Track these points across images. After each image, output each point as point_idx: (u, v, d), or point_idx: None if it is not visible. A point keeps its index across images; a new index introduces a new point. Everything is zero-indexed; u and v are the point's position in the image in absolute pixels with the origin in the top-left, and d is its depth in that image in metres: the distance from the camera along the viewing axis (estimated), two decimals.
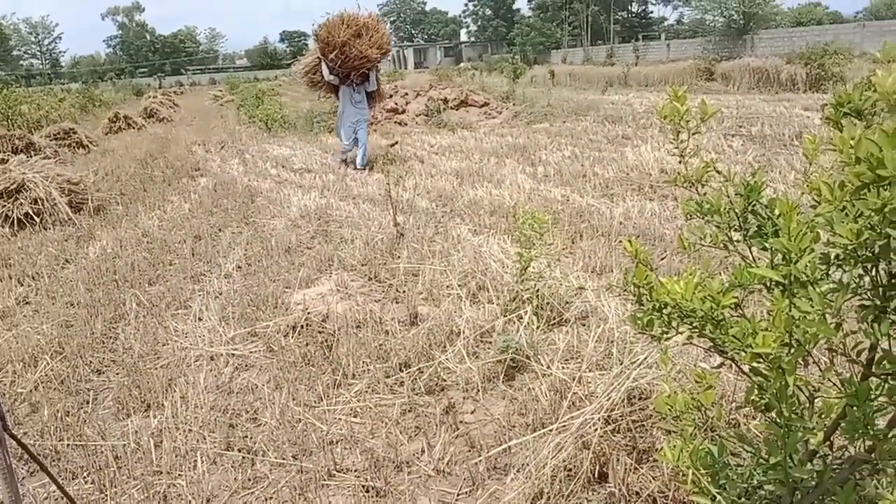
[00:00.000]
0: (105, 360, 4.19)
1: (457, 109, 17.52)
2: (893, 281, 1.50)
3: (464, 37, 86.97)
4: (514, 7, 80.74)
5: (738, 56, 28.48)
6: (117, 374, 3.99)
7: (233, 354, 4.12)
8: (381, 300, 4.76)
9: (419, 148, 12.43)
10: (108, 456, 3.08)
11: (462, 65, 54.25)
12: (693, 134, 1.96)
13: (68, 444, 3.23)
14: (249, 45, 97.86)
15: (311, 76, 11.06)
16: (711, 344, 1.67)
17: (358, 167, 10.57)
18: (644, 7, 74.76)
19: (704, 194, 1.89)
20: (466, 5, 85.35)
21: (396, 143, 12.90)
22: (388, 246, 5.74)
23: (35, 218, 7.63)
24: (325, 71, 10.36)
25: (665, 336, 1.73)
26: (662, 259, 5.16)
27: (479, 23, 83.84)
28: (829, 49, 20.51)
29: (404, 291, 4.79)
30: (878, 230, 1.32)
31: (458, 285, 4.64)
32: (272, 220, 7.37)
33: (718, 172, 1.90)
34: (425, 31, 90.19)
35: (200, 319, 4.68)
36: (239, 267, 5.80)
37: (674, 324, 1.70)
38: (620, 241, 5.51)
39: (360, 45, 10.08)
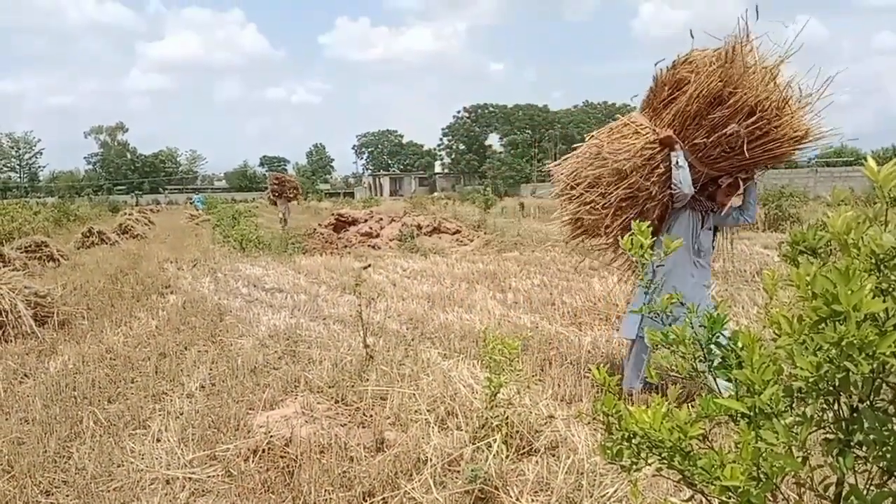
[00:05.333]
0: (56, 480, 3.97)
1: (430, 235, 17.88)
2: (855, 415, 1.54)
3: (438, 168, 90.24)
4: (487, 143, 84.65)
5: None
6: (67, 496, 3.78)
7: (189, 478, 3.95)
8: (347, 424, 4.65)
9: (392, 271, 12.54)
10: None
11: (436, 194, 56.04)
12: (657, 266, 2.04)
13: None
14: (229, 167, 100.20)
15: (612, 189, 4.89)
16: (681, 476, 1.67)
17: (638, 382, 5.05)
18: None
19: (670, 325, 1.94)
20: (441, 139, 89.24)
21: (369, 265, 13.03)
22: (357, 368, 5.67)
23: None
24: (682, 172, 4.66)
25: (634, 467, 1.73)
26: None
27: (452, 156, 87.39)
28: (786, 192, 21.75)
29: (371, 415, 4.70)
30: (837, 363, 1.37)
31: (427, 410, 4.57)
32: (240, 338, 7.28)
33: (682, 304, 1.96)
34: (401, 162, 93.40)
35: (159, 440, 4.51)
36: (202, 386, 5.66)
37: (643, 454, 1.70)
38: (589, 370, 5.53)
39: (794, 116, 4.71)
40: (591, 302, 8.72)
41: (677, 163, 4.66)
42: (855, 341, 1.31)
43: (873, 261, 1.46)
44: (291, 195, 27.35)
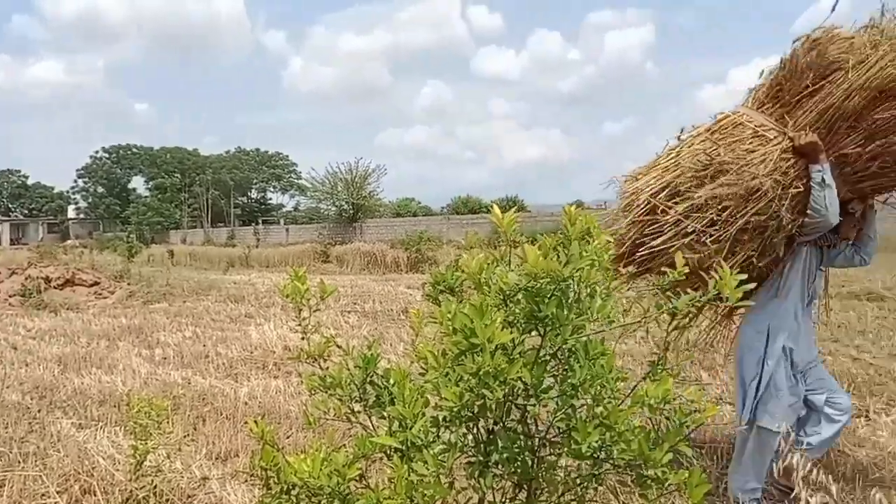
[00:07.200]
0: None
1: (61, 289, 15.81)
2: (491, 436, 1.69)
3: (72, 213, 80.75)
4: (130, 186, 78.39)
5: (350, 241, 31.43)
6: None
7: None
8: None
9: (12, 333, 10.77)
10: None
11: (69, 242, 50.15)
12: (314, 311, 2.05)
13: None
14: None
15: (734, 216, 3.27)
16: None
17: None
18: (263, 194, 79.16)
19: (327, 368, 1.95)
20: (76, 182, 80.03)
21: None
22: None
23: None
24: (829, 192, 3.31)
25: None
26: (289, 437, 5.09)
27: (89, 200, 79.02)
28: (424, 237, 24.35)
29: None
30: (476, 391, 1.49)
31: (57, 492, 3.94)
32: None
33: (339, 347, 1.99)
34: (26, 206, 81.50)
35: None
36: None
37: None
38: (246, 423, 5.34)
39: None
40: (248, 351, 8.51)
41: (823, 180, 3.28)
42: (490, 370, 1.44)
43: (501, 297, 1.64)
44: None
